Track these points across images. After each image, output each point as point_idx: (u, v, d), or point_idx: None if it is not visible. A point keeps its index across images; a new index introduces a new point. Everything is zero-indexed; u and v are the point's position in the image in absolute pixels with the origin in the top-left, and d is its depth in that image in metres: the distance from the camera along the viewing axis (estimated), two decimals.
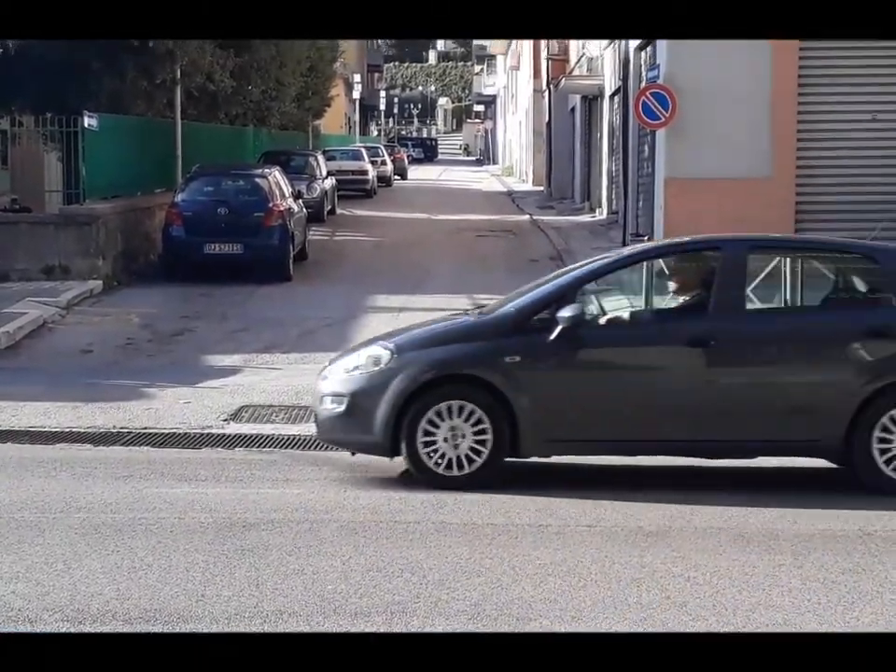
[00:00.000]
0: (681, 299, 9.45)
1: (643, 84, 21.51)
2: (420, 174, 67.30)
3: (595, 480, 9.00)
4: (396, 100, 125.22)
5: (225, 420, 10.87)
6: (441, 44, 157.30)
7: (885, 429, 8.49)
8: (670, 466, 9.35)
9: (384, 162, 50.92)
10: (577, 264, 10.26)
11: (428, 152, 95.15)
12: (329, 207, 32.89)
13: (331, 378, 9.07)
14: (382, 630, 6.01)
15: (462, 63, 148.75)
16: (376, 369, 8.80)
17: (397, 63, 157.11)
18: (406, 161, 66.11)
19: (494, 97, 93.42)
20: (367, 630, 6.00)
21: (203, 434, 10.38)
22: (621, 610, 6.29)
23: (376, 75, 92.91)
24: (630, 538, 7.50)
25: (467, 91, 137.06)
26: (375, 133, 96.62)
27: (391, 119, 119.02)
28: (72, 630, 5.99)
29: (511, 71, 70.58)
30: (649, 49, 22.65)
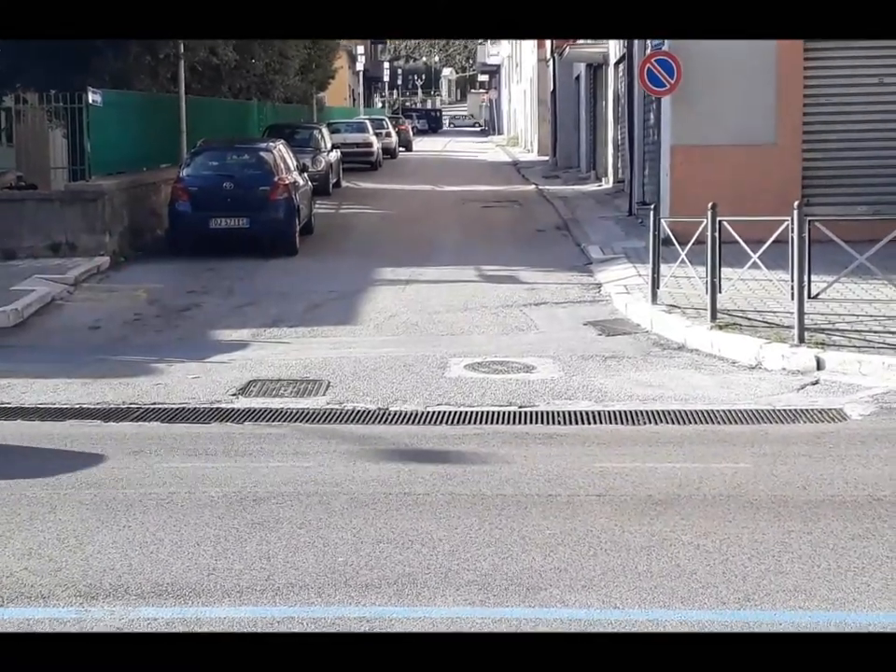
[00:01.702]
0: None
1: (648, 51, 21.41)
2: (425, 145, 67.17)
3: (603, 450, 9.01)
4: (399, 71, 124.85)
5: (234, 394, 10.89)
6: None
7: None
8: (677, 433, 9.37)
9: (388, 134, 50.80)
10: None
11: (433, 123, 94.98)
12: (335, 180, 32.85)
13: None
14: (392, 602, 6.04)
15: None
16: None
17: None
18: (411, 132, 65.97)
19: (498, 67, 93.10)
20: (377, 603, 6.03)
21: (212, 409, 10.40)
22: (630, 579, 6.31)
23: (379, 46, 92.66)
24: (639, 506, 7.51)
25: (471, 61, 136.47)
26: (379, 104, 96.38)
27: (395, 91, 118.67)
28: (85, 606, 6.03)
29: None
30: None
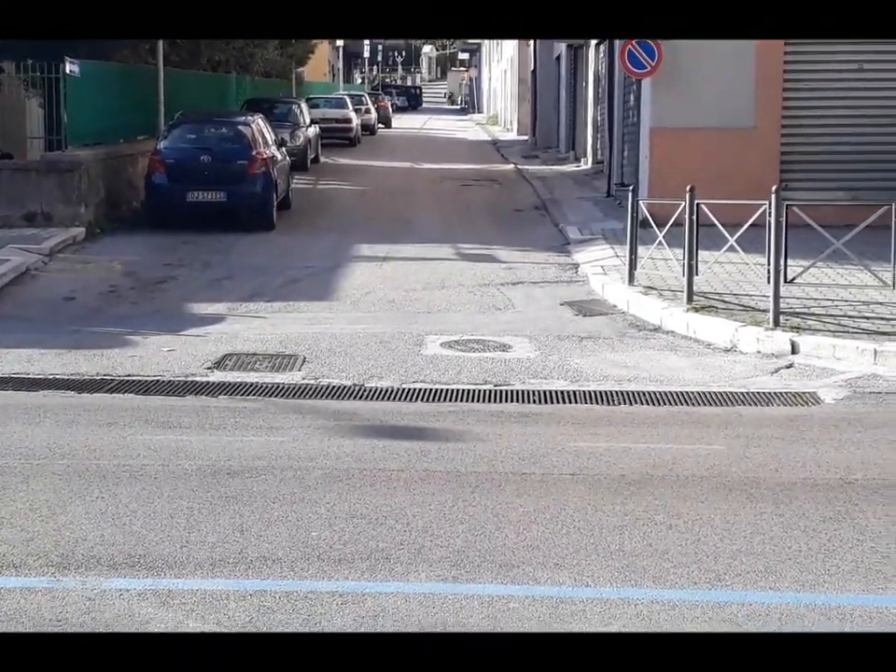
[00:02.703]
0: None
1: None
2: (404, 122, 67.02)
3: (577, 429, 9.03)
4: (380, 47, 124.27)
5: (209, 368, 10.86)
6: None
7: None
8: (652, 414, 9.40)
9: (368, 111, 50.67)
10: None
11: (413, 100, 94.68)
12: (313, 155, 32.74)
13: None
14: (365, 577, 6.05)
15: None
16: None
17: None
18: (390, 109, 65.79)
19: (479, 45, 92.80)
20: (350, 578, 6.04)
21: (186, 382, 10.38)
22: (603, 557, 6.34)
23: None
24: (613, 486, 7.54)
25: (451, 39, 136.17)
26: (359, 80, 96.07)
27: (375, 67, 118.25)
28: (57, 575, 6.02)
29: None
30: None
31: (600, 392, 10.05)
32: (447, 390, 10.12)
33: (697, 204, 12.92)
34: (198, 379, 10.48)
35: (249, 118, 22.09)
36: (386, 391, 10.10)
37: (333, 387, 10.22)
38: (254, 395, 9.99)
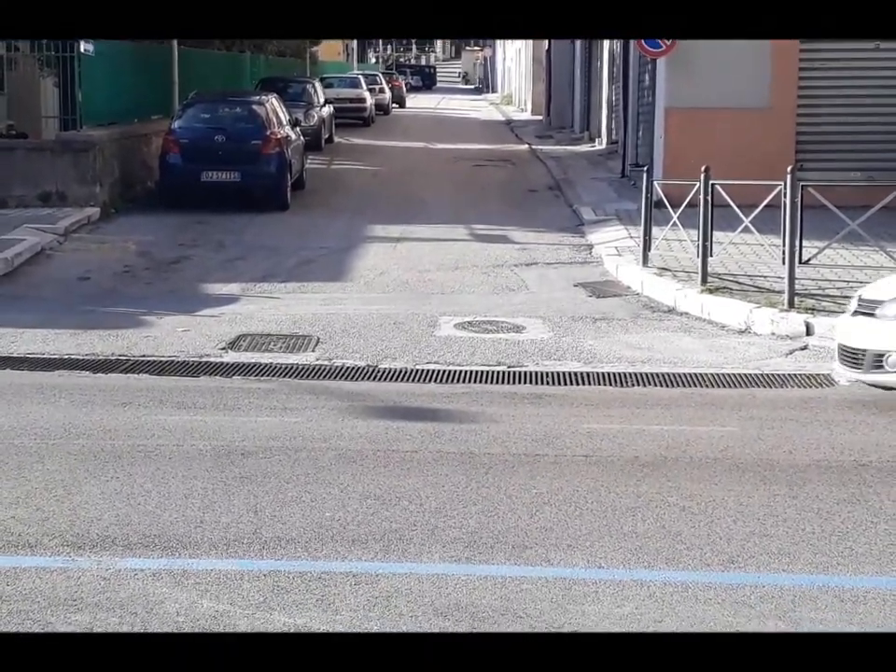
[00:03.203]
0: None
1: None
2: (418, 102, 66.88)
3: (591, 411, 9.03)
4: None
5: (223, 349, 10.88)
6: None
7: None
8: (665, 395, 9.40)
9: (381, 90, 50.57)
10: None
11: (427, 80, 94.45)
12: (327, 135, 32.70)
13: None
14: (378, 557, 6.07)
15: None
16: None
17: None
18: (404, 89, 65.67)
19: None
20: (363, 558, 6.06)
21: (201, 362, 10.40)
22: (616, 539, 6.34)
23: None
24: (626, 468, 7.54)
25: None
26: (373, 60, 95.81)
27: (389, 47, 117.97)
28: (72, 555, 6.05)
29: None
30: None
31: (614, 374, 10.05)
32: (461, 371, 10.13)
33: (712, 185, 12.88)
34: (212, 359, 10.50)
35: (263, 97, 22.06)
36: (400, 372, 10.11)
37: (347, 368, 10.23)
38: (268, 375, 10.01)
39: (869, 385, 9.16)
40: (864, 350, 8.94)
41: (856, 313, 9.18)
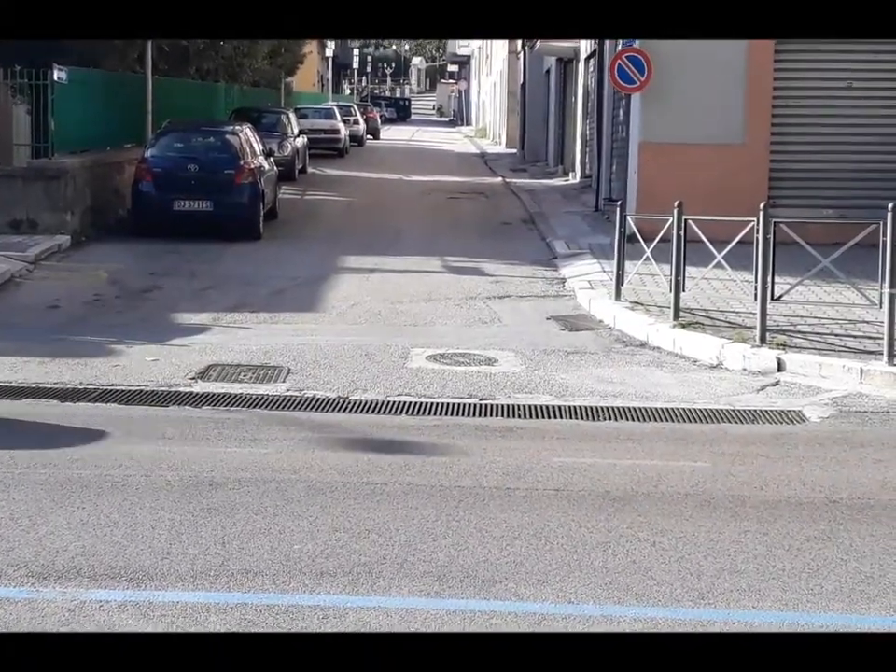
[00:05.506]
0: None
1: (619, 47, 21.42)
2: (393, 134, 67.03)
3: (562, 444, 9.00)
4: (369, 58, 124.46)
5: (193, 378, 10.81)
6: None
7: None
8: (637, 430, 9.38)
9: (356, 122, 50.66)
10: None
11: (402, 112, 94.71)
12: (301, 166, 32.72)
13: None
14: (347, 591, 6.01)
15: None
16: None
17: None
18: (379, 120, 65.81)
19: (468, 58, 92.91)
20: (332, 591, 6.00)
21: (170, 392, 10.32)
22: (586, 574, 6.30)
23: None
24: (597, 502, 7.51)
25: (441, 51, 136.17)
26: (348, 91, 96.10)
27: (364, 78, 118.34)
28: (37, 586, 5.96)
29: None
30: None
31: (585, 407, 10.03)
32: (432, 404, 10.09)
33: (685, 220, 12.92)
34: (181, 389, 10.43)
35: (237, 127, 22.05)
36: (371, 404, 10.06)
37: (317, 399, 10.18)
38: (238, 406, 9.94)
39: None
40: None
41: None
